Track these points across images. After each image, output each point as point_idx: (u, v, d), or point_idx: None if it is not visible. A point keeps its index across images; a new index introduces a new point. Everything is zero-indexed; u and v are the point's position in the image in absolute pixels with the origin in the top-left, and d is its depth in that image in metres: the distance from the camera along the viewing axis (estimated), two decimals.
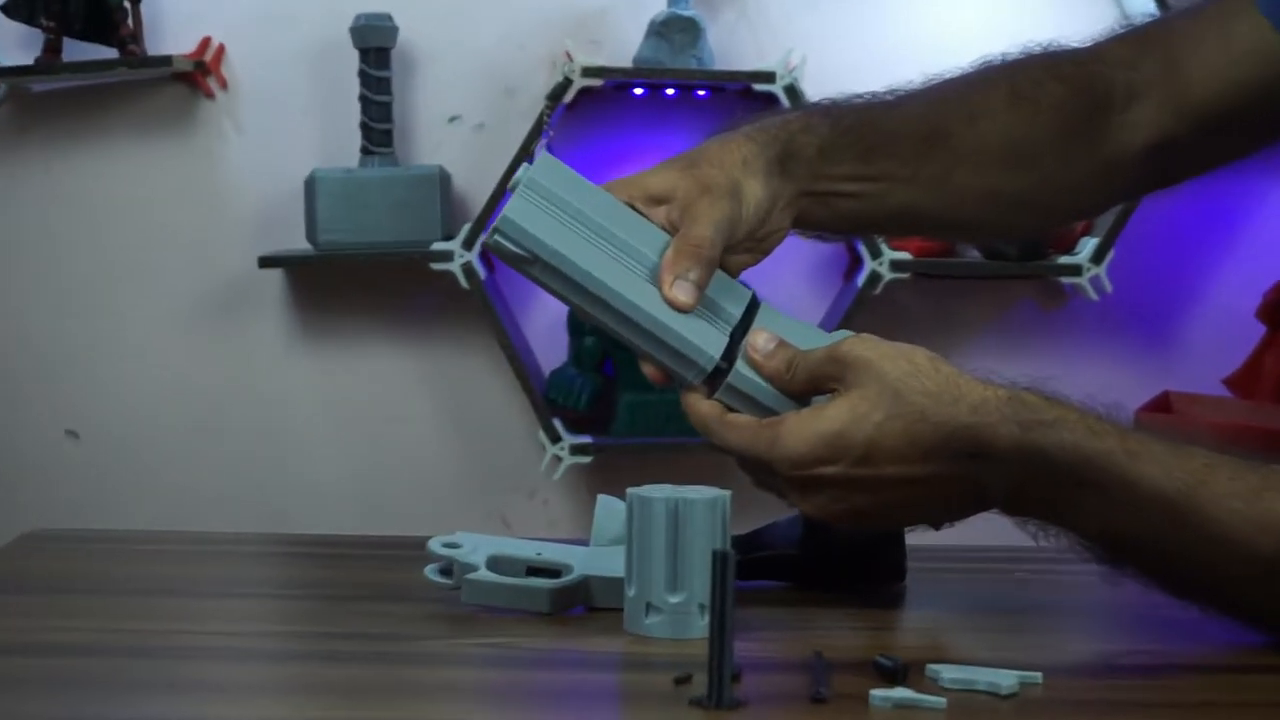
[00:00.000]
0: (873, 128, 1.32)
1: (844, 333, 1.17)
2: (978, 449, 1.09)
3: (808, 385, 1.14)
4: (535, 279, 1.16)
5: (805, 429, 1.11)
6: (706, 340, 1.15)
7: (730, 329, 1.17)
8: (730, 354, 1.16)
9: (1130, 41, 1.38)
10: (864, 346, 1.12)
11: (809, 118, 1.30)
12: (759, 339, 1.16)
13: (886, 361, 1.11)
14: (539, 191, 1.16)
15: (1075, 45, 1.40)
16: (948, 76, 1.37)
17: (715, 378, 1.16)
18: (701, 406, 1.17)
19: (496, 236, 1.14)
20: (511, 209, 1.15)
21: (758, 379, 1.15)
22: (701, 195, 1.21)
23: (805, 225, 1.28)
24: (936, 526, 1.16)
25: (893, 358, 1.11)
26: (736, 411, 1.16)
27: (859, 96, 1.35)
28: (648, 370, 1.19)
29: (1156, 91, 1.35)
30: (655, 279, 1.17)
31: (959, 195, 1.33)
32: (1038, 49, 1.40)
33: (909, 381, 1.10)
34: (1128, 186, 1.40)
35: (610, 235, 1.16)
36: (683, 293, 1.16)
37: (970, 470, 1.10)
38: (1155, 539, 1.09)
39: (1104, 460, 1.08)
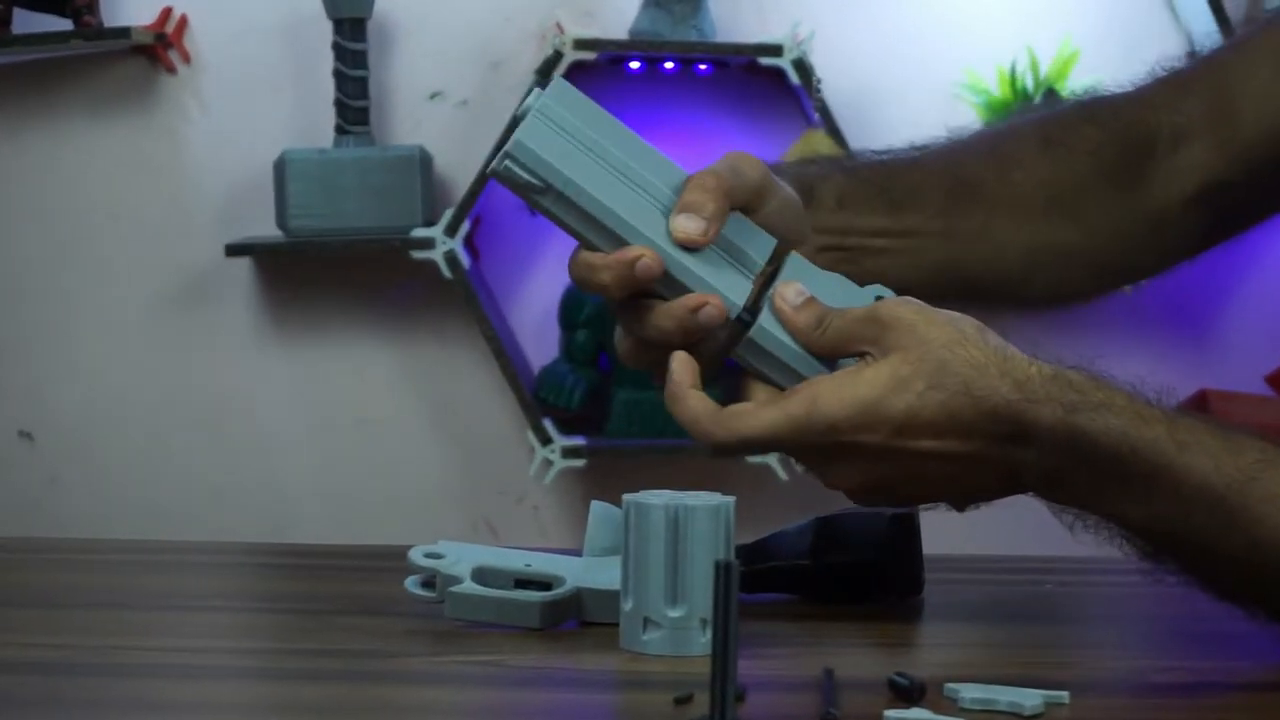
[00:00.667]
0: (894, 179, 1.32)
1: (878, 287, 1.17)
2: (1019, 429, 1.09)
3: (838, 345, 1.13)
4: (545, 210, 1.15)
5: (844, 392, 1.10)
6: (731, 286, 1.15)
7: (754, 276, 1.16)
8: (755, 306, 1.15)
9: (1172, 83, 1.38)
10: (907, 309, 1.12)
11: (822, 168, 1.31)
12: (789, 290, 1.15)
13: (932, 327, 1.11)
14: (553, 117, 1.15)
15: (1112, 92, 1.40)
16: (971, 130, 1.38)
17: (735, 330, 1.15)
18: (694, 405, 1.16)
19: (507, 162, 1.13)
20: (524, 133, 1.14)
21: (782, 335, 1.14)
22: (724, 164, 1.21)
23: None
24: (961, 508, 1.16)
25: (939, 323, 1.11)
26: (751, 371, 1.15)
27: (875, 152, 1.36)
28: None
29: (1204, 133, 1.35)
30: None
31: (1000, 248, 1.33)
32: (1071, 99, 1.40)
33: (955, 350, 1.10)
34: (1182, 238, 1.39)
35: (628, 168, 1.15)
36: (691, 223, 1.15)
37: (1008, 451, 1.10)
38: (1200, 535, 1.10)
39: (1150, 449, 1.09)
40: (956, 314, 1.13)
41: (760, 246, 1.17)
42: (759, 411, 1.13)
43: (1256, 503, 1.08)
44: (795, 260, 1.17)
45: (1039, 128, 1.38)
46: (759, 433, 1.12)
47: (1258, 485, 1.09)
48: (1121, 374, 1.16)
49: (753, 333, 1.14)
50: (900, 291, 1.19)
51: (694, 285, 1.14)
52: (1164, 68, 1.39)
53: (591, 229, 1.15)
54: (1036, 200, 1.34)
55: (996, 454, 1.10)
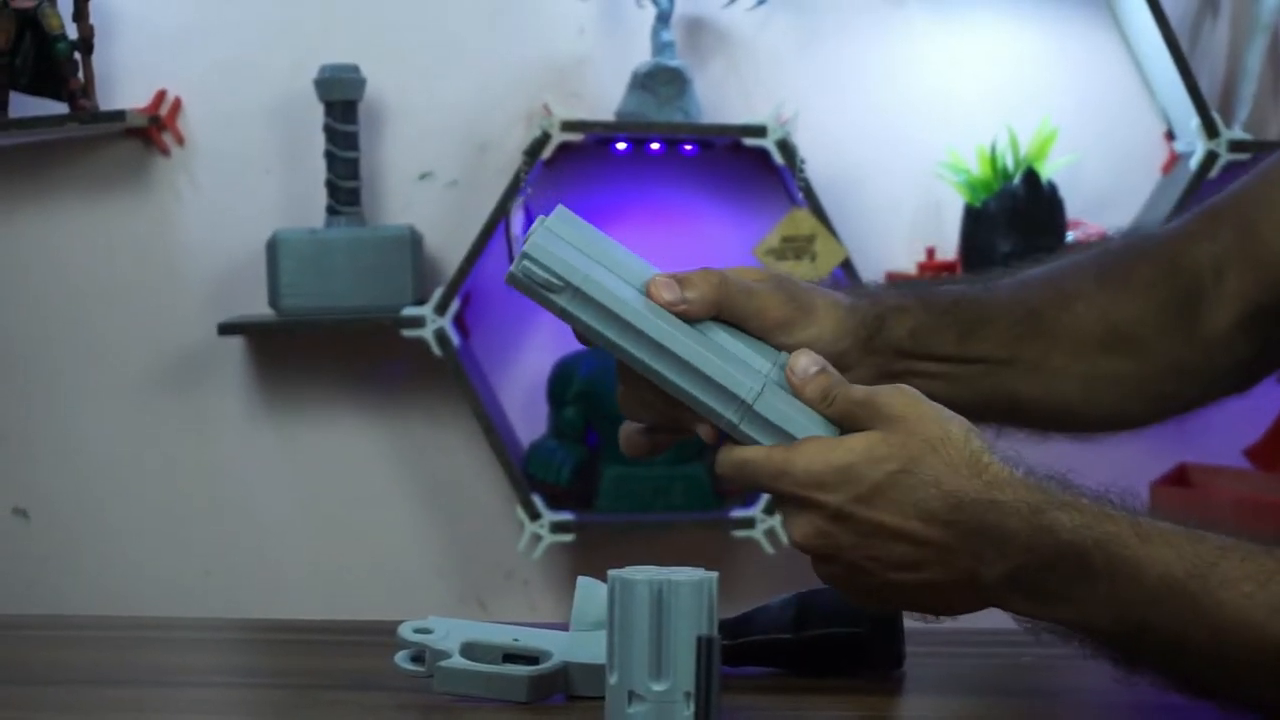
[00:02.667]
0: (965, 309, 1.35)
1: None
2: (983, 526, 1.11)
3: (841, 421, 1.17)
4: (560, 310, 1.18)
5: (820, 452, 1.15)
6: (746, 371, 1.18)
7: (764, 372, 1.19)
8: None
9: (1206, 215, 1.41)
10: (903, 401, 1.16)
11: (902, 297, 1.34)
12: (800, 360, 1.18)
13: (921, 423, 1.14)
14: (559, 232, 1.19)
15: (1158, 228, 1.43)
16: (1032, 268, 1.41)
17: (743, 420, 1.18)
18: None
19: (525, 263, 1.17)
20: (539, 236, 1.18)
21: (787, 408, 1.17)
22: (801, 327, 1.26)
23: None
24: (922, 610, 1.18)
25: (929, 419, 1.15)
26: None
27: (949, 281, 1.40)
28: (701, 429, 1.21)
29: (1238, 262, 1.37)
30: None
31: (1057, 379, 1.36)
32: (1119, 235, 1.43)
33: (935, 447, 1.13)
34: (1231, 367, 1.40)
35: (630, 274, 1.19)
36: (665, 288, 1.18)
37: (971, 547, 1.12)
38: (1166, 625, 1.11)
39: (1113, 542, 1.11)
40: (949, 414, 1.15)
41: (769, 356, 1.20)
42: (752, 448, 1.17)
43: (1216, 588, 1.10)
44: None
45: (1096, 263, 1.41)
46: (745, 458, 1.17)
47: (1217, 571, 1.10)
48: (1102, 449, 1.18)
49: (757, 404, 1.17)
50: (956, 410, 1.24)
51: (714, 374, 1.17)
52: (1197, 206, 1.43)
53: (607, 322, 1.18)
54: (1096, 333, 1.37)
55: (956, 548, 1.13)
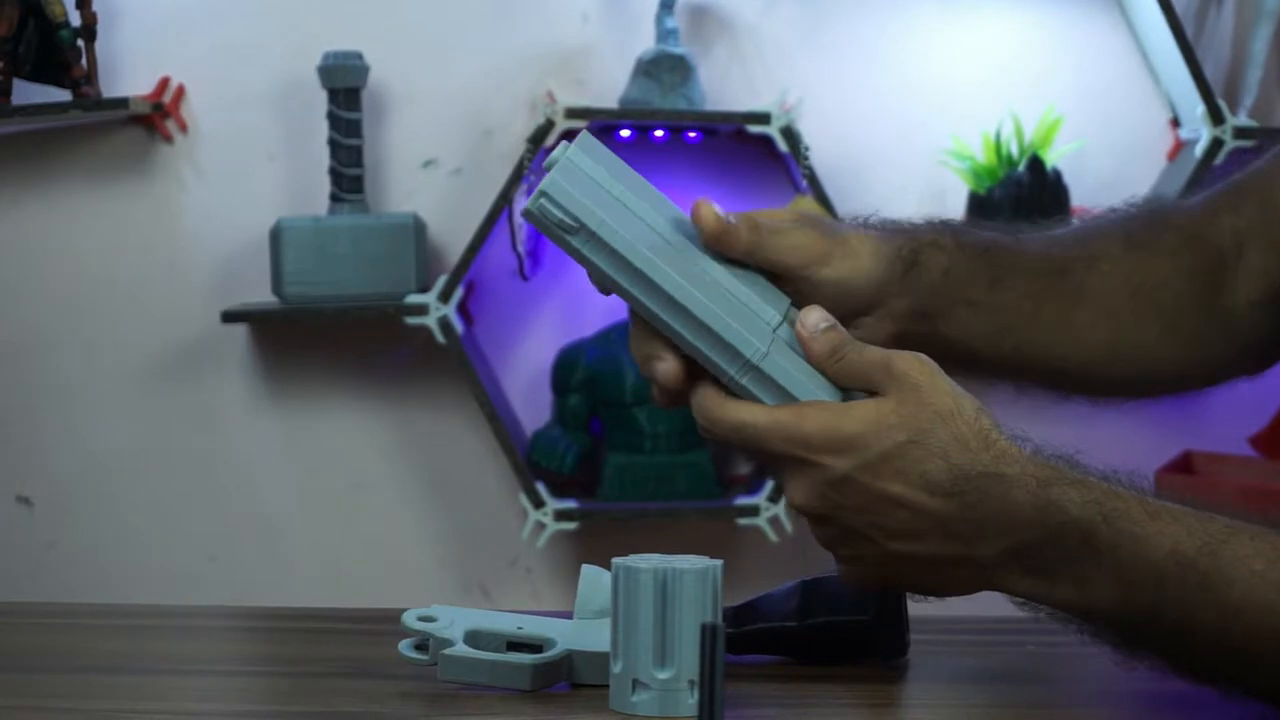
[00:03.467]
0: (1002, 256, 1.35)
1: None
2: (989, 499, 1.11)
3: (849, 379, 1.16)
4: (574, 251, 1.18)
5: (826, 417, 1.14)
6: (755, 326, 1.17)
7: (773, 328, 1.18)
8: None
9: (1230, 191, 1.41)
10: (919, 368, 1.15)
11: (937, 233, 1.33)
12: (811, 315, 1.18)
13: (935, 393, 1.14)
14: (582, 165, 1.18)
15: (1179, 200, 1.43)
16: (1057, 227, 1.41)
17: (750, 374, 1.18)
18: (707, 385, 1.18)
19: (542, 201, 1.16)
20: (558, 175, 1.17)
21: (791, 368, 1.16)
22: (825, 268, 1.25)
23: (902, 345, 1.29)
24: (919, 588, 1.18)
25: (942, 391, 1.14)
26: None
27: (981, 226, 1.38)
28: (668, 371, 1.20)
29: (1258, 238, 1.37)
30: (701, 261, 1.18)
31: (1080, 337, 1.36)
32: (1142, 201, 1.43)
33: (946, 420, 1.13)
34: (1253, 343, 1.40)
35: (651, 214, 1.18)
36: (710, 216, 1.18)
37: (973, 519, 1.12)
38: (1174, 605, 1.11)
39: (1121, 518, 1.11)
40: (960, 389, 1.15)
41: (777, 302, 1.19)
42: (753, 406, 1.16)
43: (1228, 564, 1.10)
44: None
45: (1122, 227, 1.41)
46: (744, 420, 1.16)
47: (1228, 548, 1.10)
48: (1106, 435, 1.18)
49: (763, 362, 1.16)
50: (981, 364, 1.23)
51: (721, 330, 1.16)
52: (1221, 181, 1.43)
53: (619, 268, 1.17)
54: (1122, 295, 1.37)
55: (958, 520, 1.12)
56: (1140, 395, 1.44)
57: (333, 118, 2.83)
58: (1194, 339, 1.39)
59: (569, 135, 2.77)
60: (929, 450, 1.12)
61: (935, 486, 1.12)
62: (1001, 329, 1.34)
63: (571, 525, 2.84)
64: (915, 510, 1.13)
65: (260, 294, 2.87)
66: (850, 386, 1.17)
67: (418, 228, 2.85)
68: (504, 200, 2.78)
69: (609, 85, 2.89)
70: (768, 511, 2.81)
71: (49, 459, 2.97)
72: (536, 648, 1.21)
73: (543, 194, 1.16)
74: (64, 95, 2.83)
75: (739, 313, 1.17)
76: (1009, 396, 1.36)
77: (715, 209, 1.19)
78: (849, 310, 1.25)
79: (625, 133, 2.90)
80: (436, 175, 2.95)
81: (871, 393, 1.15)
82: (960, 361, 1.31)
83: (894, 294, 1.29)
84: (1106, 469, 1.14)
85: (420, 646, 1.22)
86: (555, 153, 1.18)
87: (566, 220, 1.17)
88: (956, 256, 1.32)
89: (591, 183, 1.17)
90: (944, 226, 1.35)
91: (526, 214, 1.18)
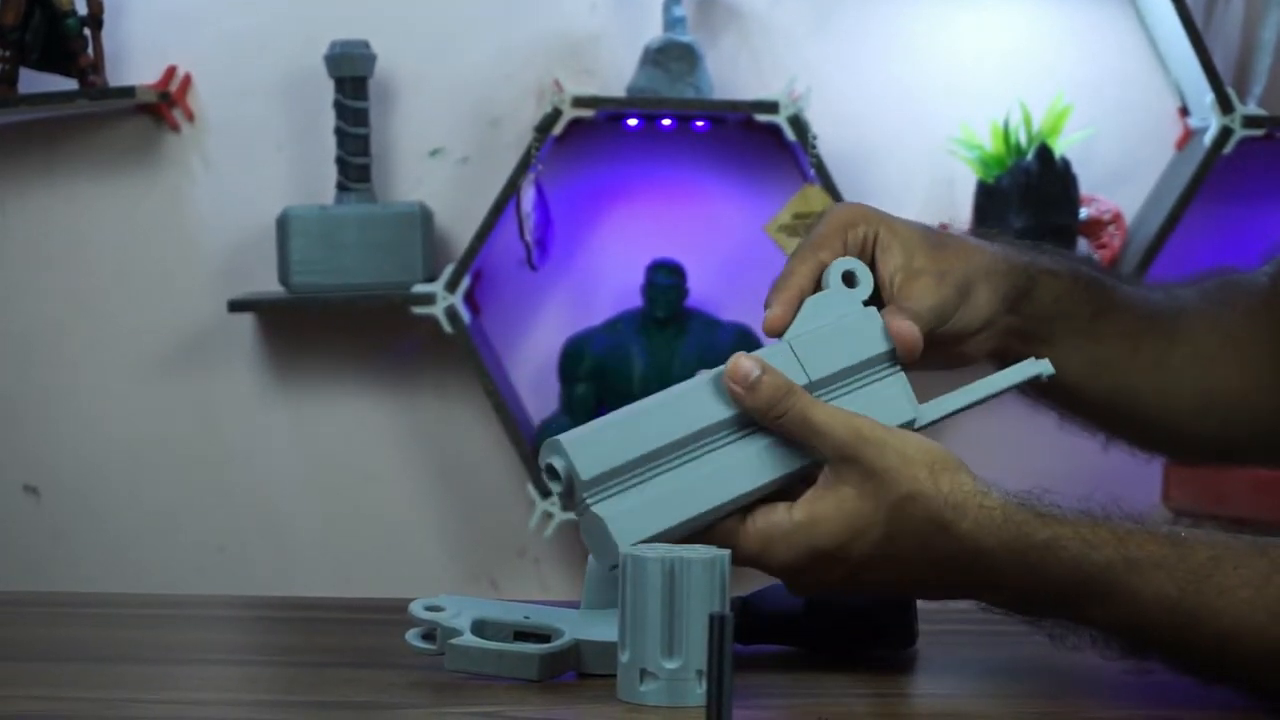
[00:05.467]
0: (1105, 292, 1.35)
1: (916, 408, 1.22)
2: (973, 574, 1.14)
3: (796, 438, 1.16)
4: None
5: (796, 539, 1.14)
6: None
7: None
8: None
9: None
10: (869, 448, 1.14)
11: (1055, 262, 1.33)
12: (740, 367, 1.16)
13: (891, 475, 1.13)
14: (602, 482, 1.16)
15: (1243, 270, 1.43)
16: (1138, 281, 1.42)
17: None
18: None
19: (632, 551, 1.13)
20: (613, 525, 1.14)
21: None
22: (926, 274, 1.24)
23: (1002, 362, 1.29)
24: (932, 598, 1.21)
25: (898, 470, 1.13)
26: None
27: (1083, 259, 1.39)
28: None
29: None
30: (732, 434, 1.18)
31: (1175, 382, 1.36)
32: (1206, 272, 1.43)
33: (915, 499, 1.13)
34: None
35: (676, 444, 1.17)
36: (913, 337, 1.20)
37: (965, 585, 1.15)
38: (1165, 639, 1.13)
39: (1104, 575, 1.12)
40: (912, 451, 1.14)
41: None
42: (721, 536, 1.16)
43: (1214, 598, 1.10)
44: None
45: (1194, 287, 1.41)
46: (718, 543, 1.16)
47: (1211, 583, 1.11)
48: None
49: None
50: (1076, 402, 1.23)
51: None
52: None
53: (684, 527, 1.17)
54: (1211, 342, 1.37)
55: (949, 585, 1.15)
56: (1221, 459, 1.44)
57: (339, 107, 2.83)
58: (1275, 397, 1.37)
59: (576, 123, 2.77)
60: (905, 544, 1.13)
61: (921, 566, 1.14)
62: (1099, 364, 1.34)
63: None
64: (911, 578, 1.15)
65: (267, 283, 2.87)
66: (795, 441, 1.16)
67: (425, 217, 2.85)
68: (511, 189, 2.78)
69: (616, 74, 2.88)
70: None
71: (56, 448, 2.97)
72: (544, 637, 1.21)
73: (623, 554, 1.13)
74: (71, 84, 2.83)
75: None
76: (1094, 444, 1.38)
77: (918, 335, 1.19)
78: (956, 335, 1.26)
79: (633, 122, 2.89)
80: (444, 164, 2.95)
81: (822, 458, 1.15)
82: (1057, 397, 1.33)
83: (1004, 316, 1.29)
84: (1080, 508, 1.14)
85: (427, 636, 1.22)
86: (592, 507, 1.15)
87: (651, 545, 1.15)
88: (1069, 285, 1.32)
89: (627, 490, 1.15)
90: (1061, 256, 1.35)
91: (616, 568, 1.14)
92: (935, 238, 1.27)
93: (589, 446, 1.16)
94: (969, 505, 1.13)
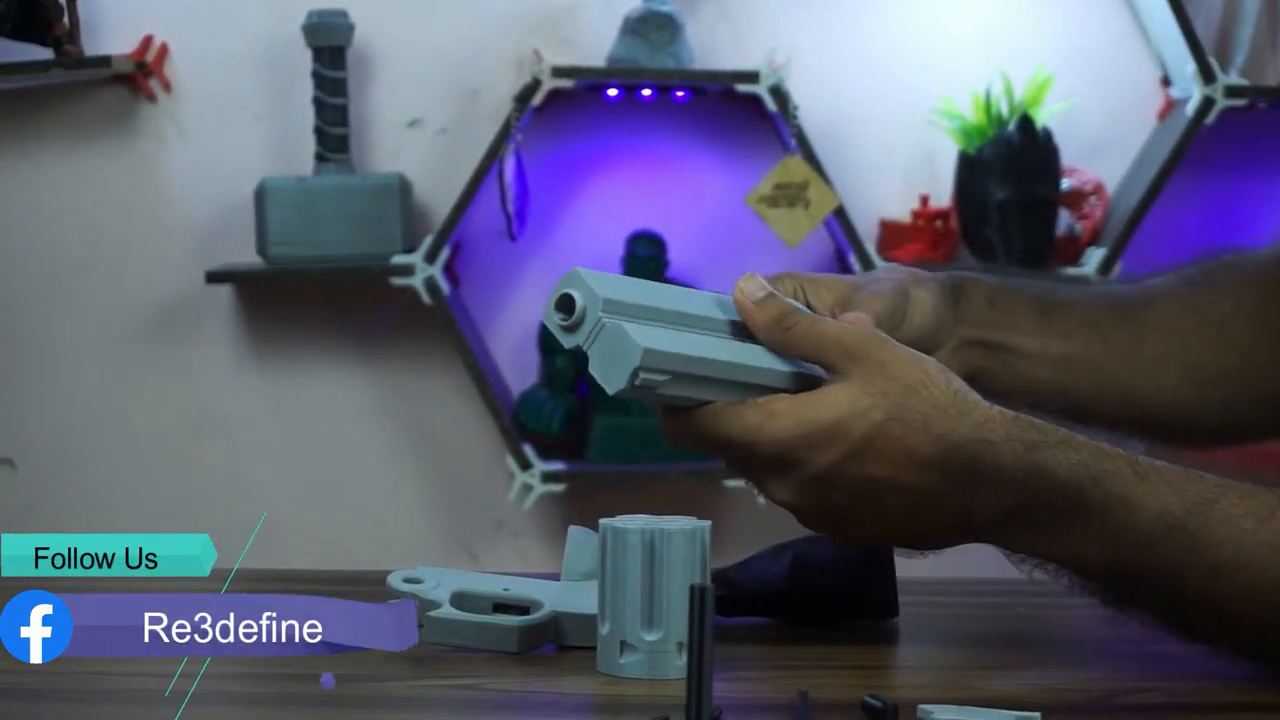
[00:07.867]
0: (1045, 292, 1.35)
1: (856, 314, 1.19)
2: (977, 466, 1.11)
3: (800, 351, 1.15)
4: (660, 395, 1.14)
5: (800, 412, 1.12)
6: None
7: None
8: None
9: None
10: (877, 344, 1.14)
11: (972, 272, 1.33)
12: (750, 283, 1.16)
13: (899, 365, 1.13)
14: (619, 308, 1.13)
15: (1229, 252, 1.43)
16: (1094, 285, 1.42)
17: None
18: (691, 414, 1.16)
19: (644, 375, 1.10)
20: (638, 339, 1.10)
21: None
22: (864, 291, 1.25)
23: (987, 387, 1.25)
24: (912, 547, 1.18)
25: (905, 361, 1.13)
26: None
27: (1021, 272, 1.39)
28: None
29: None
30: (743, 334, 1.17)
31: (1157, 365, 1.36)
32: (1194, 259, 1.43)
33: (918, 389, 1.12)
34: None
35: (693, 318, 1.16)
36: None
37: (964, 489, 1.11)
38: (1163, 564, 1.11)
39: (1110, 480, 1.10)
40: (921, 354, 1.14)
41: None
42: (724, 411, 1.13)
43: (1217, 524, 1.10)
44: None
45: (1175, 274, 1.41)
46: (714, 434, 1.14)
47: (1218, 508, 1.10)
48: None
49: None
50: (1051, 401, 1.23)
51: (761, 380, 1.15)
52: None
53: (701, 389, 1.13)
54: (1187, 322, 1.36)
55: (950, 490, 1.12)
56: (1230, 439, 1.43)
57: (317, 77, 2.82)
58: (1271, 367, 1.37)
59: (556, 94, 2.76)
60: (909, 425, 1.11)
61: (921, 461, 1.11)
62: (1073, 362, 1.33)
63: (559, 487, 2.84)
64: (904, 489, 1.12)
65: (245, 255, 2.86)
66: (797, 355, 1.15)
67: (403, 188, 2.84)
68: (490, 160, 2.77)
69: (596, 44, 2.88)
70: None
71: (31, 421, 2.97)
72: (523, 610, 1.21)
73: (641, 369, 1.09)
74: (46, 54, 2.81)
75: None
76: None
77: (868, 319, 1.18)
78: (919, 346, 1.25)
79: (612, 92, 2.89)
80: (422, 135, 2.95)
81: (828, 368, 1.14)
82: (1054, 408, 1.30)
83: (951, 327, 1.29)
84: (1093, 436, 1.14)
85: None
86: (603, 331, 1.11)
87: (661, 379, 1.11)
88: (998, 289, 1.33)
89: (650, 325, 1.12)
90: (982, 268, 1.35)
91: (620, 394, 1.11)
92: (855, 277, 1.29)
93: (609, 281, 1.14)
94: (974, 399, 1.13)
